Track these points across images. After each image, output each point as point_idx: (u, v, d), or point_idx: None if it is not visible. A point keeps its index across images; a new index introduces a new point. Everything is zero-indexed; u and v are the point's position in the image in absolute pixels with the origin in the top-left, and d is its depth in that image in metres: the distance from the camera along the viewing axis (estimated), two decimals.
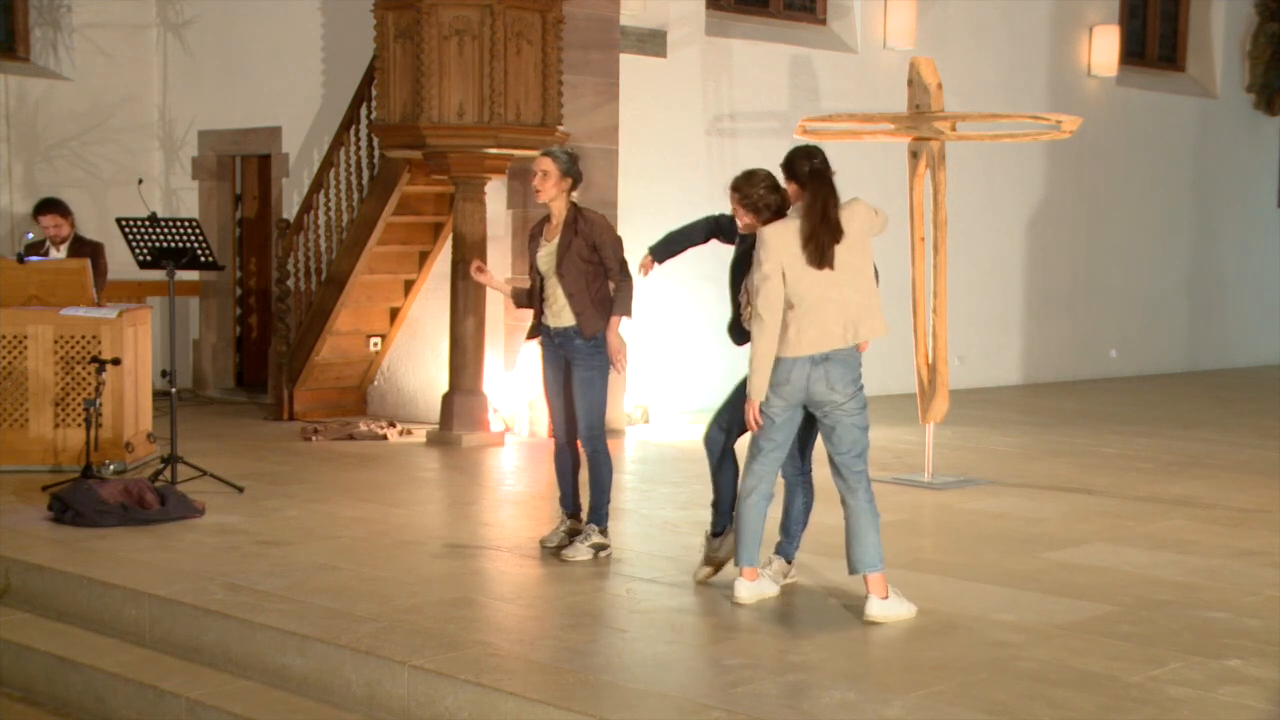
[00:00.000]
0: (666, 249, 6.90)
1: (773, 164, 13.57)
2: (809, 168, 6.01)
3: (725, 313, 6.69)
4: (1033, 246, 15.63)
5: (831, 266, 5.93)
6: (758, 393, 6.04)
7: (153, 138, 14.05)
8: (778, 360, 5.99)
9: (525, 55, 10.43)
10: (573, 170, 7.04)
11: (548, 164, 7.00)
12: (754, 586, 6.22)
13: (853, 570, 6.04)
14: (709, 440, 6.69)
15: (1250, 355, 18.11)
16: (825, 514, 7.73)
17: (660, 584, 6.58)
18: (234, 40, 13.44)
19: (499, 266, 11.20)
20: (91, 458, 8.49)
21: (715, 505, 6.74)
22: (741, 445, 6.62)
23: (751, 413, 6.08)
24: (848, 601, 6.22)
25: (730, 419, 6.60)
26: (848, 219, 5.99)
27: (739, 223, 6.37)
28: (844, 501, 6.09)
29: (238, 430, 11.46)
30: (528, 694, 5.02)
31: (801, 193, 6.03)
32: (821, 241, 5.92)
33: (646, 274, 6.84)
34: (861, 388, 6.04)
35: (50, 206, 10.26)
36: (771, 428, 6.10)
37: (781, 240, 5.97)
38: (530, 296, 7.24)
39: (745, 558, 6.21)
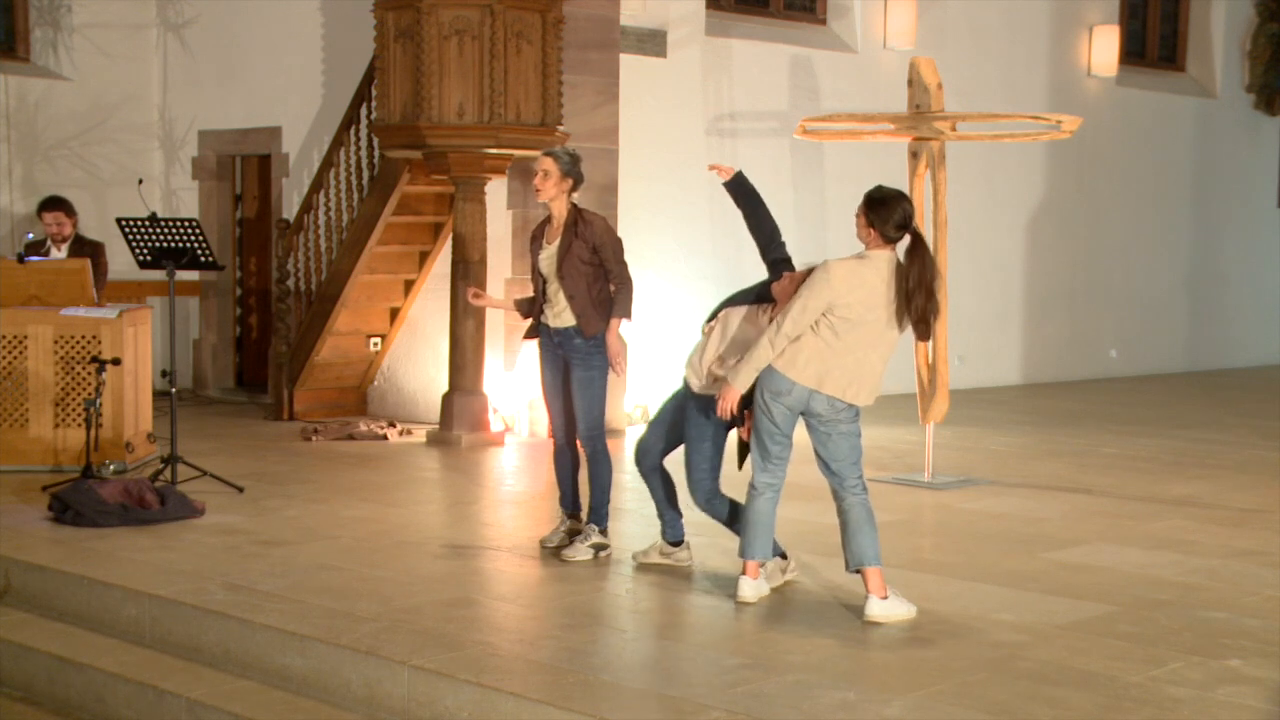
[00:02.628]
0: (745, 198, 6.75)
1: (772, 164, 13.56)
2: (901, 229, 5.91)
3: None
4: (1033, 246, 15.63)
5: (927, 340, 5.98)
6: (742, 384, 6.05)
7: (153, 138, 14.05)
8: (780, 374, 5.99)
9: (525, 55, 10.43)
10: (574, 171, 7.04)
11: (549, 164, 7.01)
12: (756, 585, 6.22)
13: (853, 565, 6.03)
14: (642, 452, 6.80)
15: (1250, 355, 18.11)
16: (824, 514, 7.73)
17: (660, 584, 6.58)
18: (234, 40, 13.44)
19: (499, 266, 11.21)
20: (91, 458, 8.49)
21: (662, 516, 6.88)
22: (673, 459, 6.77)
23: (727, 401, 6.09)
24: (848, 601, 6.23)
25: (667, 434, 6.72)
26: (939, 296, 6.02)
27: (774, 289, 6.37)
28: (838, 498, 6.09)
29: (238, 430, 11.46)
30: (528, 694, 5.02)
31: (881, 242, 5.93)
32: (930, 320, 5.91)
33: (720, 172, 6.77)
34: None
35: (55, 204, 10.25)
36: (777, 432, 6.11)
37: (847, 285, 5.88)
38: (534, 302, 7.24)
39: (760, 551, 6.20)
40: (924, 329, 5.95)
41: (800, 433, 6.14)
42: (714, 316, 6.54)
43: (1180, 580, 6.77)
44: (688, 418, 6.57)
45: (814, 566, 6.88)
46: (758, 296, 6.44)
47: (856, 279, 5.89)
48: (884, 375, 6.06)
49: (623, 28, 11.69)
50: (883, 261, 5.93)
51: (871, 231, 5.96)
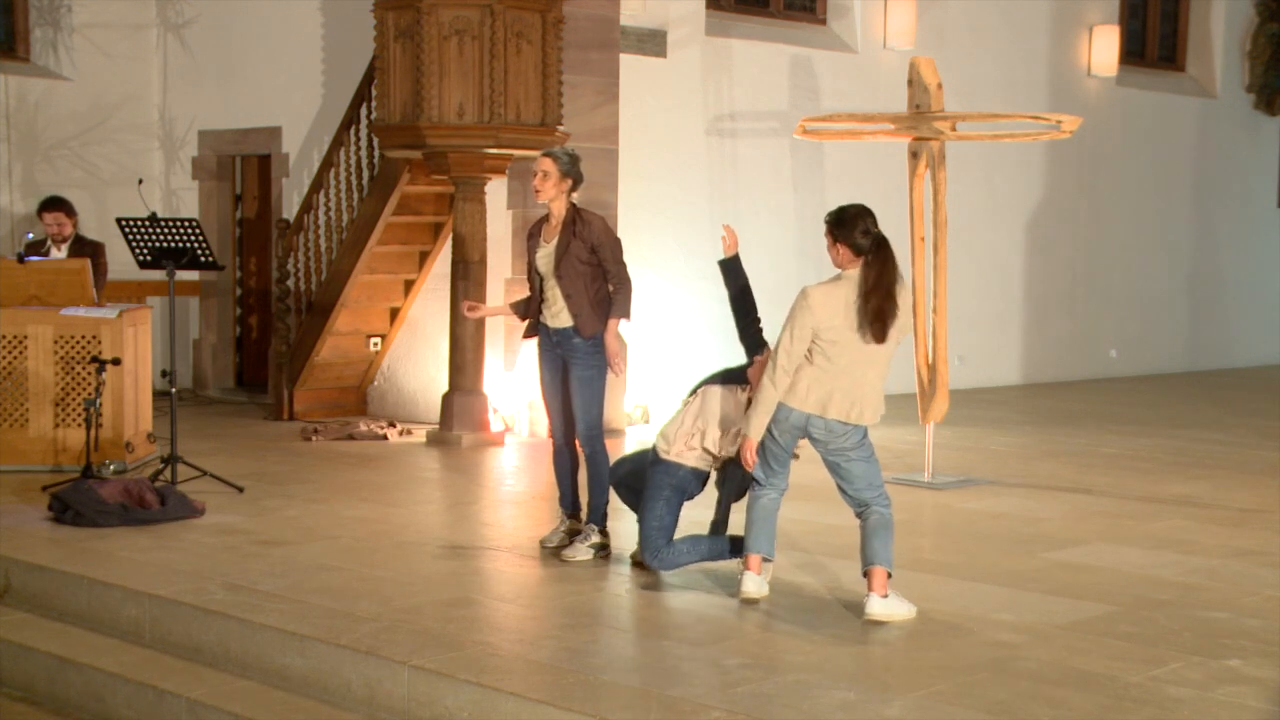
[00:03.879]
0: (738, 278, 6.71)
1: (772, 164, 13.54)
2: (869, 237, 5.92)
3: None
4: (1033, 246, 15.63)
5: (882, 342, 5.93)
6: (756, 433, 6.10)
7: (153, 138, 14.05)
8: (782, 404, 6.02)
9: (525, 55, 10.43)
10: (573, 171, 7.03)
11: (548, 164, 7.00)
12: (760, 581, 6.23)
13: (864, 566, 6.02)
14: (616, 464, 7.00)
15: (1250, 355, 18.11)
16: (825, 514, 7.75)
17: (660, 584, 6.58)
18: (234, 40, 13.44)
19: (499, 266, 11.21)
20: (91, 458, 8.49)
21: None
22: None
23: (749, 453, 6.15)
24: (848, 601, 6.23)
25: (633, 473, 6.88)
26: (901, 299, 5.98)
27: (750, 373, 6.55)
28: (859, 515, 6.09)
29: (238, 430, 11.46)
30: (528, 694, 5.02)
31: (853, 258, 5.95)
32: (887, 320, 5.89)
33: (728, 240, 6.73)
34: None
35: (55, 204, 10.25)
36: (782, 453, 6.16)
37: (826, 307, 5.91)
38: (530, 302, 7.23)
39: (763, 546, 6.22)
40: (879, 329, 5.89)
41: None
42: (694, 393, 6.71)
43: (1180, 580, 6.77)
44: (648, 478, 6.69)
45: (815, 566, 6.88)
46: (736, 378, 6.60)
47: (835, 300, 5.92)
48: (882, 390, 6.06)
49: (623, 28, 11.69)
50: (857, 278, 5.96)
51: (840, 248, 5.98)
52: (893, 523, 6.06)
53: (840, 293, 5.93)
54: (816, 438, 6.04)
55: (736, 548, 6.56)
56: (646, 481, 6.69)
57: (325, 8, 12.63)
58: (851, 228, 5.94)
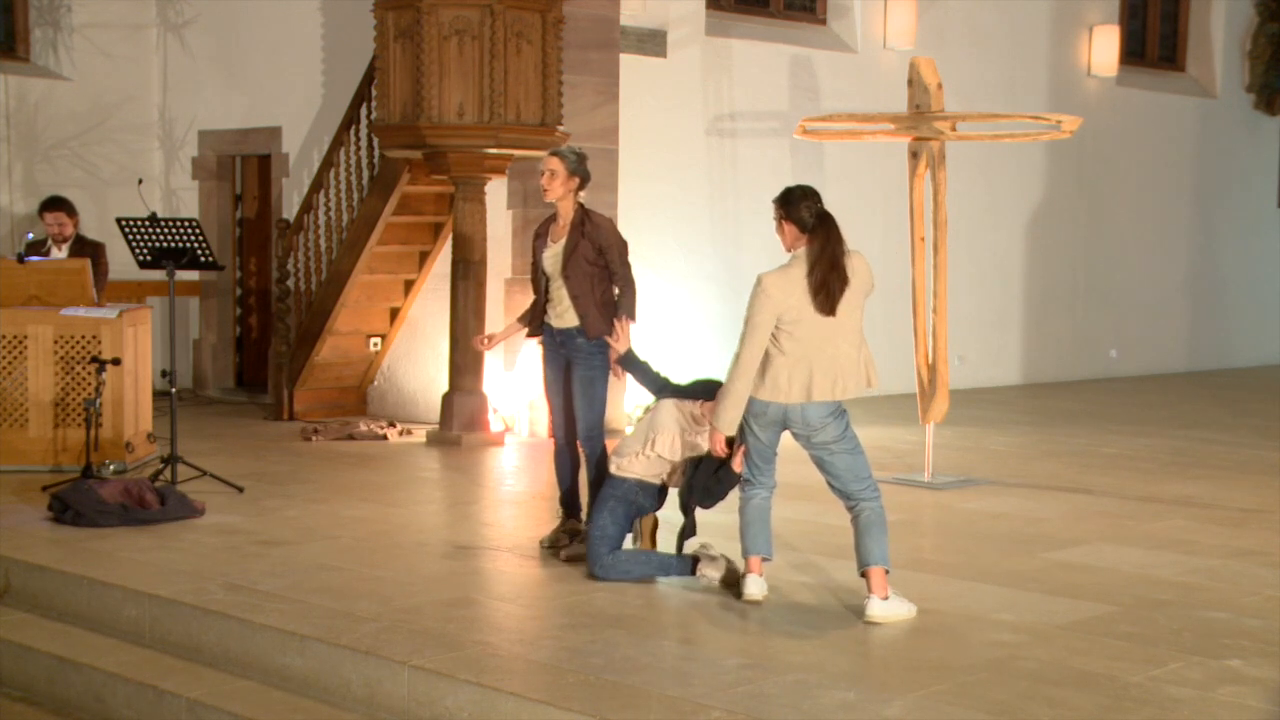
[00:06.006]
0: (637, 368, 6.89)
1: (772, 164, 13.55)
2: (813, 213, 5.97)
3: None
4: (1033, 246, 15.63)
5: (835, 314, 5.93)
6: (727, 427, 6.13)
7: (153, 138, 14.05)
8: (759, 399, 6.03)
9: (525, 55, 10.43)
10: (580, 170, 7.03)
11: (555, 163, 6.99)
12: (763, 582, 6.23)
13: (860, 566, 6.02)
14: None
15: (1250, 355, 18.11)
16: (824, 514, 7.74)
17: (660, 584, 6.58)
18: (234, 40, 13.45)
19: (499, 266, 11.21)
20: (91, 458, 8.49)
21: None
22: None
23: (717, 443, 6.21)
24: (848, 601, 6.23)
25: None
26: (852, 270, 5.98)
27: (703, 407, 6.61)
28: (849, 509, 6.09)
29: (238, 430, 11.46)
30: (528, 694, 5.02)
31: (801, 237, 6.00)
32: (832, 290, 5.91)
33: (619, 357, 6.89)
34: (841, 412, 6.04)
35: (56, 204, 10.25)
36: (765, 448, 6.17)
37: (782, 290, 5.94)
38: (534, 305, 7.23)
39: (761, 547, 6.23)
40: (824, 300, 5.91)
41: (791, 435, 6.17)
42: (647, 410, 6.81)
43: (1180, 580, 6.77)
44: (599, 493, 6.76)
45: (814, 566, 6.88)
46: (689, 394, 6.64)
47: (788, 282, 5.96)
48: (858, 359, 6.04)
49: (623, 28, 11.69)
50: (804, 255, 6.01)
51: (788, 226, 6.03)
52: (884, 517, 6.06)
53: (793, 273, 5.98)
54: (796, 431, 6.04)
55: (689, 565, 6.56)
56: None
57: (325, 8, 12.63)
58: (797, 205, 6.01)
